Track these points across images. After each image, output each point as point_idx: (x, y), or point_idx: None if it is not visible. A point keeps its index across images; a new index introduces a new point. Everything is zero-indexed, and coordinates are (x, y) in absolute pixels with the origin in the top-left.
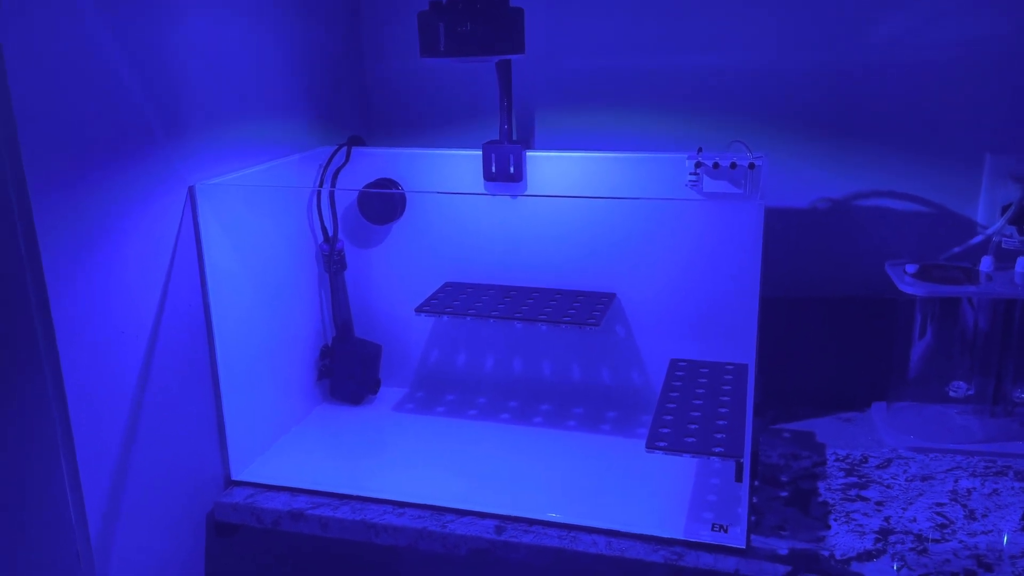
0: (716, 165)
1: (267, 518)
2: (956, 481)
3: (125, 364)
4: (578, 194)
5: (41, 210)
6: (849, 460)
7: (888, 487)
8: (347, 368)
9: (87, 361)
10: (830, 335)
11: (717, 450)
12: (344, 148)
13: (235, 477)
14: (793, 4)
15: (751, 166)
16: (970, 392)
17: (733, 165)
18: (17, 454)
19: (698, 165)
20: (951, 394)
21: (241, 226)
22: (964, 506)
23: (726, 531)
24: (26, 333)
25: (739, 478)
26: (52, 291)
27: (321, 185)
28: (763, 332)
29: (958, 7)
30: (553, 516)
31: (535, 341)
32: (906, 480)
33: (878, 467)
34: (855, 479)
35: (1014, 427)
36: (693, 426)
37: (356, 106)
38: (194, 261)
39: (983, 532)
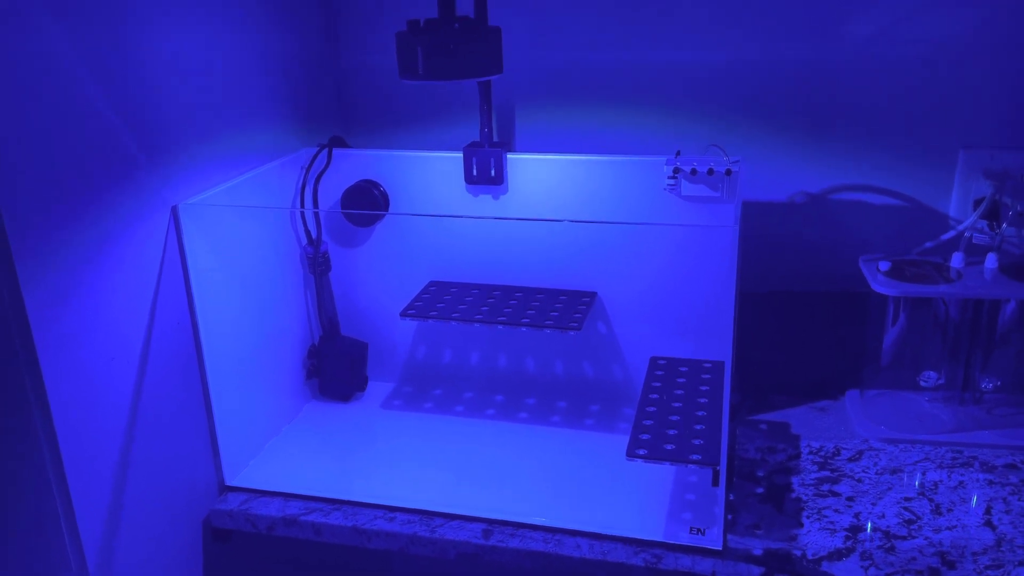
0: (694, 171)
1: (261, 524)
2: (923, 474)
3: (116, 388)
4: (557, 199)
5: (19, 246)
6: (822, 453)
7: (859, 481)
8: (335, 367)
9: (77, 390)
10: (806, 327)
11: (695, 457)
12: (325, 150)
13: (229, 483)
14: (769, 0)
15: (728, 172)
16: (940, 381)
17: (710, 171)
18: (4, 474)
19: (676, 171)
20: (922, 383)
21: (226, 236)
22: (931, 500)
23: (703, 534)
24: (10, 368)
25: (716, 483)
26: (35, 326)
27: (303, 206)
28: (741, 325)
29: (932, 5)
30: (539, 520)
31: (519, 339)
32: (876, 473)
33: (850, 460)
34: (827, 473)
35: (982, 415)
36: (672, 431)
37: (336, 107)
38: (180, 275)
39: (947, 528)
